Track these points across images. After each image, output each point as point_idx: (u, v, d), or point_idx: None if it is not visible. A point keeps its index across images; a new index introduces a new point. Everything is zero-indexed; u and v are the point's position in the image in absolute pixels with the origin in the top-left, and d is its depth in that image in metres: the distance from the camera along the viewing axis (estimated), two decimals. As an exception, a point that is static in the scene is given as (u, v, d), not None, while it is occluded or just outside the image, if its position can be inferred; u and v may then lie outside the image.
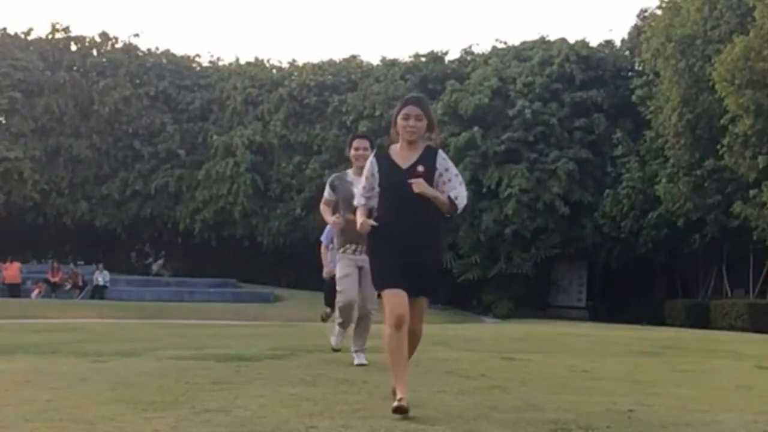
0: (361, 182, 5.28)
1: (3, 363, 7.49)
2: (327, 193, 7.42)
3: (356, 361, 7.27)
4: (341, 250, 7.32)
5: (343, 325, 7.63)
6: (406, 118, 5.01)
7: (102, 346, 9.54)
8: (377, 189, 5.10)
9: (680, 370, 7.71)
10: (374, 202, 5.13)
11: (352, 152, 7.27)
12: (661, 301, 32.79)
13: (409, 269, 4.88)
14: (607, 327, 21.09)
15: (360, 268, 7.10)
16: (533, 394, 5.71)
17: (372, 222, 5.01)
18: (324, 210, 7.47)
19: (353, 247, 7.18)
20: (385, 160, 5.09)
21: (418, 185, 4.85)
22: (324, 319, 9.61)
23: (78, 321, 18.43)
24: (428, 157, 5.02)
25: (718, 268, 32.12)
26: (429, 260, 5.03)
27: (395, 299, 4.82)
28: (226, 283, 36.49)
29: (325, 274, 8.56)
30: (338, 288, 7.32)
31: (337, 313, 7.65)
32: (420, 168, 4.96)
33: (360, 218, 5.15)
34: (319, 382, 6.14)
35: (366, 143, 7.34)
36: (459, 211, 5.03)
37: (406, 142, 5.05)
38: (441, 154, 5.05)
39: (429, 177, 4.95)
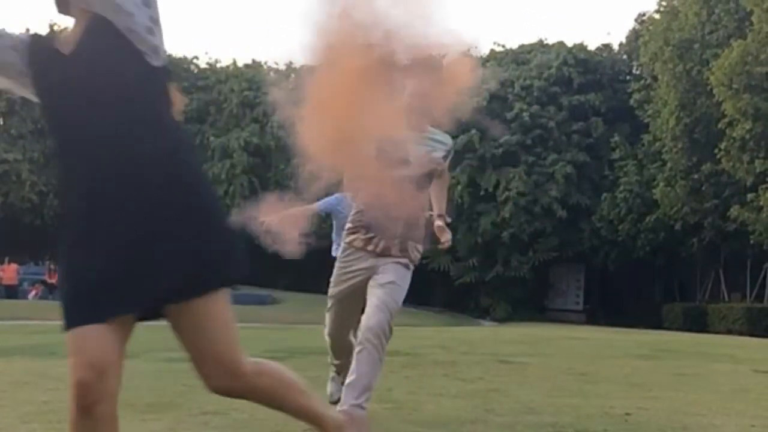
0: None
1: (0, 364, 7.47)
2: None
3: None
4: (349, 237, 4.29)
5: (340, 369, 4.91)
6: None
7: (99, 347, 9.50)
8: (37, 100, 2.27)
9: (677, 374, 7.71)
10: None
11: None
12: (658, 304, 32.83)
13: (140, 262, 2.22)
14: (604, 330, 21.11)
15: (370, 274, 4.16)
16: (531, 397, 5.71)
17: None
18: None
19: (369, 236, 4.18)
20: (40, 49, 2.23)
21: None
22: None
23: (75, 323, 18.37)
24: (99, 27, 2.15)
25: (716, 271, 32.16)
26: (179, 229, 2.25)
27: (80, 345, 2.18)
28: (223, 285, 36.34)
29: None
30: (327, 309, 4.58)
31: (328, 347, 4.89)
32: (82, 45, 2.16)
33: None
34: (316, 384, 6.14)
35: None
36: None
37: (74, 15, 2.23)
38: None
39: (106, 56, 2.13)
